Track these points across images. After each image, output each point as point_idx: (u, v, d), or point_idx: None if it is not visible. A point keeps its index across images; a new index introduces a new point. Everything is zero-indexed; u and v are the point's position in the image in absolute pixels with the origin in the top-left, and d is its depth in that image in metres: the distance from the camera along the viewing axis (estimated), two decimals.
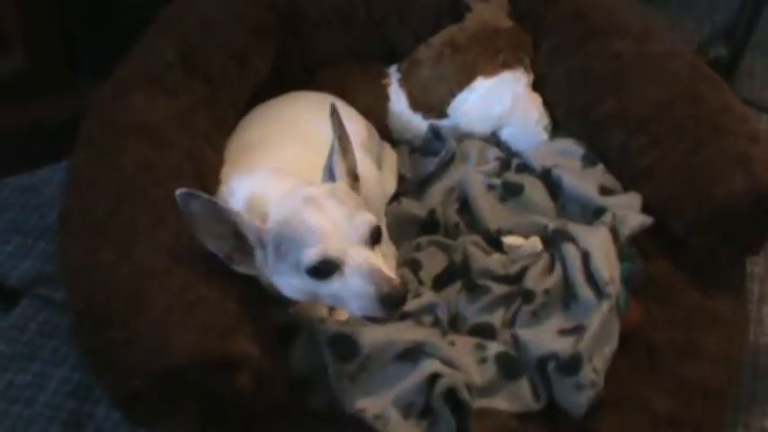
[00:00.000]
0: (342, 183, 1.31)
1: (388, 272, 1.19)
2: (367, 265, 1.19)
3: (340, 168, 1.32)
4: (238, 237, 1.25)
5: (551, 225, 1.70)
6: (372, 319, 1.23)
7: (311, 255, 1.18)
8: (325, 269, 1.20)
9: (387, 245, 1.70)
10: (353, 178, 1.36)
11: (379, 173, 1.86)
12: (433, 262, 1.76)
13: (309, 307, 1.49)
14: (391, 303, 1.18)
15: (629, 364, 1.46)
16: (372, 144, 1.90)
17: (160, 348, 1.14)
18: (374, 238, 1.24)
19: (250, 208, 1.32)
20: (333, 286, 1.21)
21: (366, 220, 1.23)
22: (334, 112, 1.32)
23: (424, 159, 2.05)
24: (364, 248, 1.22)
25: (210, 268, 1.29)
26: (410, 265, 1.75)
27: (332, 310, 1.54)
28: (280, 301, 1.41)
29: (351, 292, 1.20)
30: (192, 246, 1.26)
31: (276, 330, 1.43)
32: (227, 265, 1.26)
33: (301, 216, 1.21)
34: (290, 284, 1.26)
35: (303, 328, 1.44)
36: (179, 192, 1.17)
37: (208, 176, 1.48)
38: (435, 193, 1.93)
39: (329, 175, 1.33)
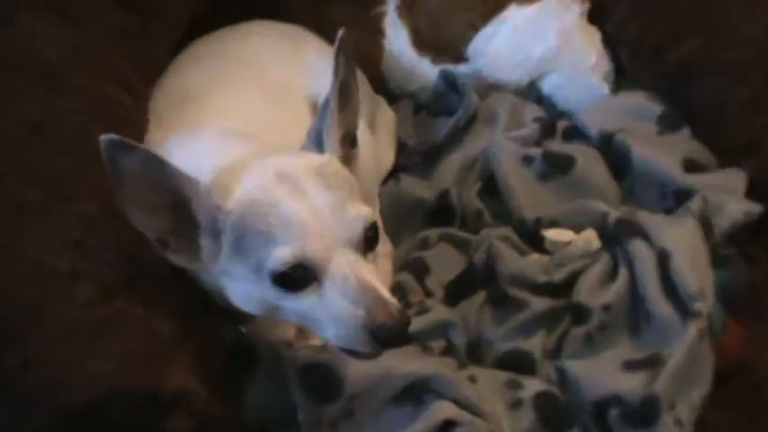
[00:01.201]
0: (332, 156, 1.32)
1: (384, 291, 1.20)
2: (356, 279, 1.20)
3: (333, 133, 1.33)
4: (180, 214, 1.25)
5: (613, 214, 1.68)
6: (354, 354, 1.24)
7: (281, 255, 1.19)
8: (297, 277, 1.21)
9: (381, 241, 1.67)
10: (349, 146, 1.37)
11: (371, 139, 1.85)
12: (446, 264, 1.75)
13: (269, 325, 1.49)
14: (385, 338, 1.19)
15: (728, 414, 1.45)
16: (363, 101, 1.82)
17: (64, 378, 1.17)
18: (369, 241, 1.26)
19: None
20: (305, 302, 1.23)
21: (361, 214, 1.24)
22: (341, 44, 1.30)
23: (433, 121, 2.04)
24: (354, 254, 1.23)
25: (136, 268, 1.28)
26: (413, 268, 1.74)
27: (300, 330, 1.53)
28: (230, 315, 1.41)
29: (329, 314, 1.21)
30: (108, 236, 1.25)
31: (226, 357, 1.42)
32: (159, 256, 1.28)
33: (274, 198, 1.22)
34: (245, 292, 1.27)
35: (264, 356, 1.43)
36: (106, 139, 1.16)
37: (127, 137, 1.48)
38: (449, 169, 1.93)
39: (315, 141, 1.34)
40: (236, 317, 1.42)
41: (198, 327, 1.36)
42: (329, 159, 1.31)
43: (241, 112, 1.58)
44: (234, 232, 1.24)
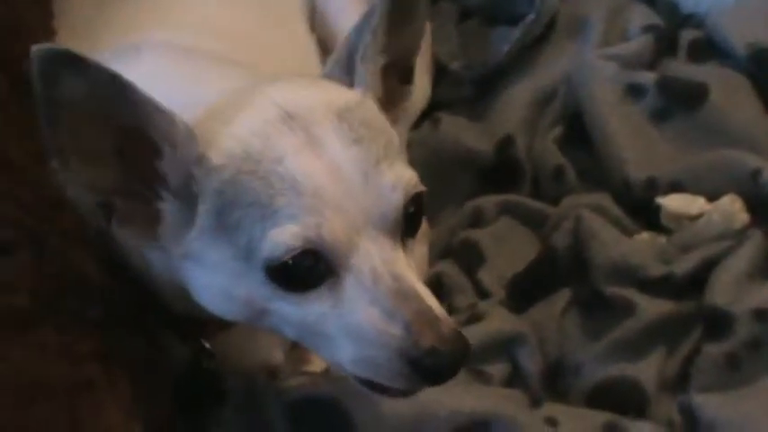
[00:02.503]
0: (367, 95, 1.33)
1: (432, 300, 1.21)
2: (392, 279, 1.21)
3: (373, 60, 1.35)
4: (131, 162, 1.25)
5: None
6: (380, 389, 1.25)
7: (285, 237, 1.20)
8: (305, 271, 1.22)
9: None
10: (399, 81, 1.40)
11: None
12: (510, 250, 1.78)
13: (247, 340, 1.51)
14: (433, 371, 1.19)
15: None
16: None
17: None
18: (409, 222, 1.27)
19: None
20: (312, 308, 1.23)
21: (402, 181, 1.25)
22: None
23: (488, 32, 2.07)
24: (389, 241, 1.23)
25: (41, 253, 1.28)
26: (460, 255, 1.77)
27: (293, 349, 1.56)
28: (188, 325, 1.43)
29: (348, 328, 1.22)
30: None
31: (178, 388, 1.44)
32: (75, 233, 1.31)
33: (279, 152, 1.22)
34: (221, 286, 1.27)
35: (235, 387, 1.45)
36: (42, 50, 1.14)
37: (24, 61, 1.47)
38: (513, 105, 1.95)
39: (344, 67, 1.35)
40: (197, 327, 1.43)
41: (134, 343, 1.38)
42: (361, 98, 1.31)
43: (199, 18, 1.60)
44: (218, 198, 1.23)
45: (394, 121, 1.35)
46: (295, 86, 1.30)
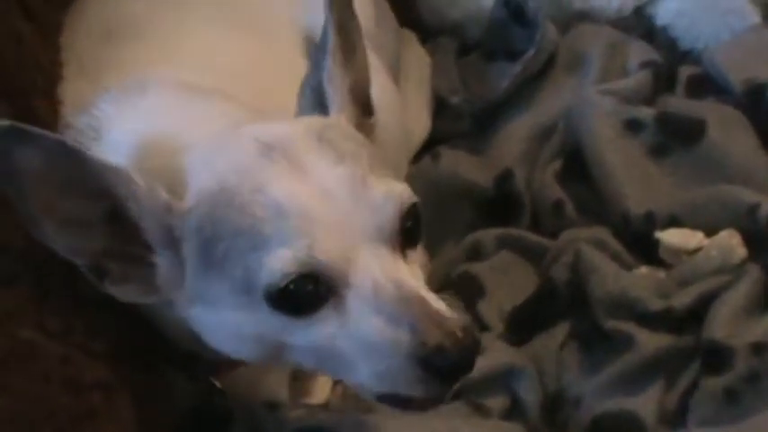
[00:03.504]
0: (339, 117, 1.34)
1: (436, 301, 1.21)
2: (393, 286, 1.20)
3: (338, 88, 1.35)
4: (120, 225, 1.26)
5: (767, 205, 1.69)
6: (402, 404, 1.24)
7: (280, 263, 1.18)
8: (307, 295, 1.20)
9: None
10: (365, 110, 1.41)
11: (396, 96, 1.87)
12: (509, 282, 1.78)
13: (255, 377, 1.50)
14: (447, 367, 1.18)
15: None
16: (384, 38, 1.92)
17: None
18: (408, 233, 1.26)
19: (141, 166, 1.31)
20: (320, 330, 1.22)
21: (393, 193, 1.25)
22: None
23: (487, 67, 2.07)
24: (387, 251, 1.23)
25: (50, 281, 1.29)
26: (460, 287, 1.76)
27: (304, 382, 1.56)
28: (195, 363, 1.42)
29: (358, 342, 1.21)
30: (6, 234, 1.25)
31: (184, 423, 1.44)
32: (94, 288, 1.27)
33: (258, 179, 1.22)
34: (231, 327, 1.26)
35: (241, 421, 1.45)
36: None
37: (32, 95, 1.51)
38: (512, 139, 1.95)
39: (314, 100, 1.36)
40: (207, 366, 1.43)
41: (138, 374, 1.38)
42: (336, 120, 1.32)
43: (203, 56, 1.59)
44: (199, 236, 1.23)
45: None
46: (271, 122, 1.30)
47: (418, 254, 1.33)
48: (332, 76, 1.34)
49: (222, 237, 1.21)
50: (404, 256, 1.25)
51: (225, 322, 1.26)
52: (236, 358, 1.31)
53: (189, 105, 1.44)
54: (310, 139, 1.25)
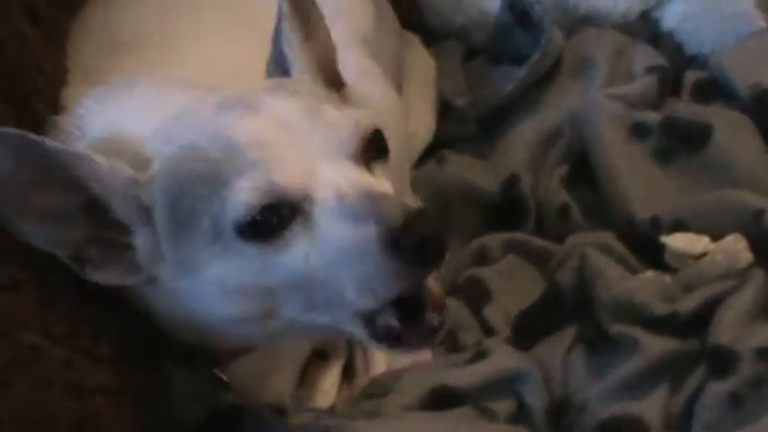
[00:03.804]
0: (302, 76, 1.37)
1: (400, 196, 1.23)
2: (356, 189, 1.20)
3: (298, 53, 1.38)
4: (94, 213, 1.27)
5: None
6: (396, 341, 1.25)
7: (240, 196, 1.20)
8: (273, 218, 1.21)
9: None
10: (333, 80, 1.42)
11: (398, 100, 1.87)
12: (515, 287, 1.77)
13: (255, 377, 1.51)
14: (413, 245, 1.16)
15: None
16: (384, 40, 1.92)
17: None
18: (374, 149, 1.27)
19: (116, 154, 1.32)
20: (296, 255, 1.22)
21: (351, 117, 1.26)
22: None
23: (493, 71, 2.08)
24: (350, 165, 1.24)
25: (52, 282, 1.28)
26: (466, 292, 1.77)
27: (309, 387, 1.58)
28: (196, 353, 1.42)
29: (332, 255, 1.20)
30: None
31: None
32: (97, 291, 1.29)
33: (215, 129, 1.25)
34: (214, 287, 1.27)
35: (246, 418, 1.45)
36: None
37: (34, 98, 1.49)
38: (518, 143, 1.96)
39: (278, 68, 1.40)
40: (208, 357, 1.43)
41: (140, 376, 1.39)
42: (298, 78, 1.35)
43: (207, 62, 1.61)
44: (165, 198, 1.25)
45: None
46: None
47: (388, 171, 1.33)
48: (290, 40, 1.36)
49: (186, 192, 1.23)
50: (370, 168, 1.25)
51: (208, 282, 1.26)
52: (231, 330, 1.31)
53: (172, 98, 1.43)
54: (270, 89, 1.28)
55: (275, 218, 1.20)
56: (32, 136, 1.22)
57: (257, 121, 1.23)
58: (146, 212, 1.26)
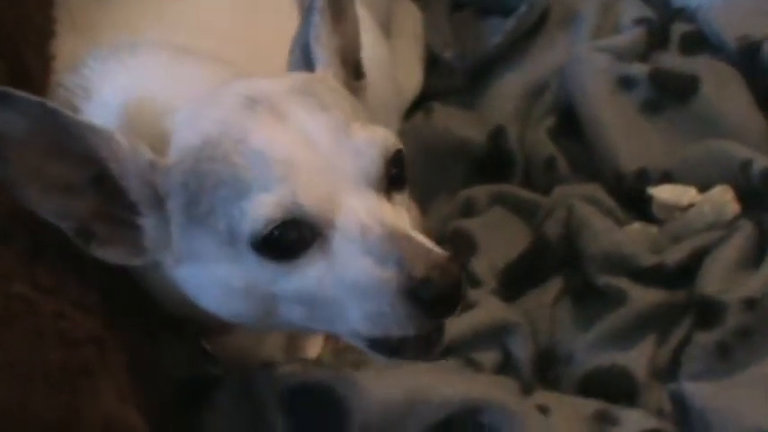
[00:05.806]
0: (325, 73, 1.34)
1: (422, 237, 1.20)
2: (380, 227, 1.19)
3: (325, 46, 1.35)
4: (106, 186, 1.26)
5: (759, 161, 1.70)
6: (393, 352, 1.25)
7: (262, 209, 1.18)
8: (292, 240, 1.20)
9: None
10: (354, 70, 1.41)
11: (387, 52, 1.87)
12: (502, 239, 1.77)
13: (246, 343, 1.51)
14: (435, 298, 1.16)
15: None
16: None
17: None
18: (394, 178, 1.26)
19: (130, 127, 1.31)
20: (309, 274, 1.21)
21: (377, 138, 1.25)
22: None
23: (480, 22, 2.07)
24: (373, 194, 1.23)
25: (41, 238, 1.28)
26: (453, 242, 1.76)
27: (295, 339, 1.56)
28: (186, 324, 1.42)
29: (346, 282, 1.20)
30: None
31: (179, 386, 1.44)
32: (80, 251, 1.27)
33: (241, 131, 1.22)
34: (220, 283, 1.26)
35: (231, 380, 1.44)
36: None
37: (25, 51, 1.49)
38: (505, 95, 1.96)
39: (302, 59, 1.37)
40: (198, 329, 1.44)
41: (131, 331, 1.37)
42: (322, 75, 1.33)
43: (202, 20, 1.60)
44: (184, 191, 1.24)
45: None
46: (258, 79, 1.30)
47: (406, 201, 1.33)
48: (319, 34, 1.35)
49: (205, 189, 1.22)
50: (390, 200, 1.24)
51: (213, 278, 1.26)
52: (227, 319, 1.31)
53: (178, 67, 1.43)
54: (294, 92, 1.25)
55: (294, 236, 1.20)
56: (51, 105, 1.22)
57: (285, 134, 1.21)
58: (160, 199, 1.25)
